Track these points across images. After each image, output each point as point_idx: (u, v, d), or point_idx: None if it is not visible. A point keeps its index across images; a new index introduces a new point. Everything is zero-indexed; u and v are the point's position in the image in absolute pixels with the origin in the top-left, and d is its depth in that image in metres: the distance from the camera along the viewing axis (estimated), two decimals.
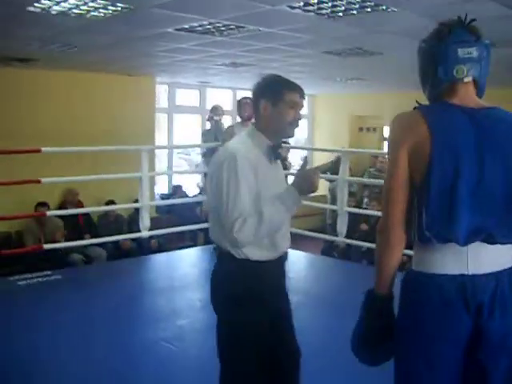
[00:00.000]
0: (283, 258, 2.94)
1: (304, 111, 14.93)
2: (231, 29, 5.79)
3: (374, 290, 2.24)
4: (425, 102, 2.28)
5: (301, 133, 15.04)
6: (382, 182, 9.97)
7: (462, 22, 2.18)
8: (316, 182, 2.73)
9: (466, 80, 2.17)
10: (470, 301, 2.04)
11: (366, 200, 10.91)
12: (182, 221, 9.58)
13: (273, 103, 2.79)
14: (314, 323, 5.24)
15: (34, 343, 4.76)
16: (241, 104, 7.48)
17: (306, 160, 2.91)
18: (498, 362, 2.09)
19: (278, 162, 2.95)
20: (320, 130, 14.78)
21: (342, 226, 7.58)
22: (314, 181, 2.71)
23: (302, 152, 12.03)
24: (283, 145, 2.98)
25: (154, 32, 6.05)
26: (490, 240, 2.07)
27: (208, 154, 8.75)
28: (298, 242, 8.84)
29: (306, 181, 2.72)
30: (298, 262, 7.80)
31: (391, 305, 2.24)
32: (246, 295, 2.79)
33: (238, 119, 7.80)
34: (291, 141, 7.89)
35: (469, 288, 2.04)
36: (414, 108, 2.22)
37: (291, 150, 9.80)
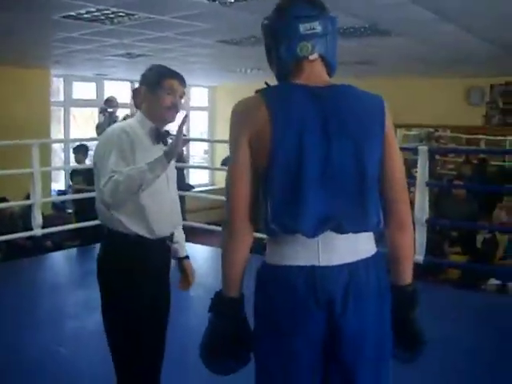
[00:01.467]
0: (161, 242, 2.95)
1: (204, 103, 14.90)
2: (121, 16, 5.60)
3: (222, 291, 2.02)
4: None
5: (202, 125, 14.96)
6: None
7: None
8: (181, 144, 2.75)
9: (311, 57, 1.97)
10: (319, 294, 1.86)
11: None
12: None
13: (151, 90, 2.92)
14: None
15: None
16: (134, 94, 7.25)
17: (183, 119, 2.84)
18: (359, 361, 1.93)
19: (163, 146, 2.94)
20: (221, 122, 14.68)
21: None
22: (180, 141, 2.73)
23: (202, 145, 11.92)
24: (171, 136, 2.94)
25: (39, 18, 5.77)
26: (340, 229, 1.89)
27: None
28: (197, 235, 8.79)
29: (176, 142, 2.72)
30: (198, 256, 7.66)
31: (241, 307, 2.03)
32: (114, 269, 2.89)
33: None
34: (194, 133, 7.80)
35: (318, 280, 1.87)
36: (256, 91, 2.03)
37: (192, 142, 9.72)
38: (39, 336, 4.88)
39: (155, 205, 2.84)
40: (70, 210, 10.47)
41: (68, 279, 6.92)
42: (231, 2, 5.00)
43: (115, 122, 8.22)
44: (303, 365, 1.92)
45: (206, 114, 14.93)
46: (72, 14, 5.48)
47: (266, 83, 2.05)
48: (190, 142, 9.34)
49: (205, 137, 14.91)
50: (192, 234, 8.21)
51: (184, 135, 2.77)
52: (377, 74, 10.60)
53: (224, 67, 10.49)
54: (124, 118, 7.72)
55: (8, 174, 8.22)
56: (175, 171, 3.10)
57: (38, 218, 7.22)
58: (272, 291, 1.93)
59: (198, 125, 15.01)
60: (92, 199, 3.12)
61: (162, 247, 2.98)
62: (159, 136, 2.92)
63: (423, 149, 6.24)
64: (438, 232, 8.44)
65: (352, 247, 1.92)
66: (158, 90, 2.89)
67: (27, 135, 8.58)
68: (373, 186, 1.94)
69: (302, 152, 1.86)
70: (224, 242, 1.99)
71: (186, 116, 2.83)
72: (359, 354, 1.91)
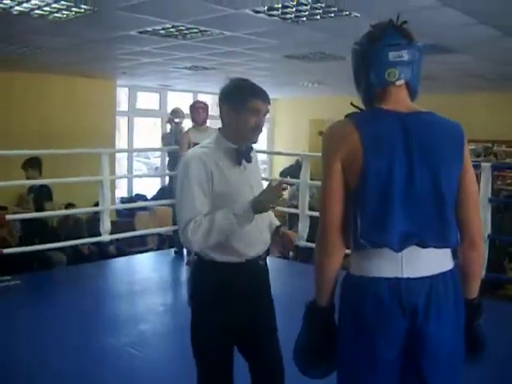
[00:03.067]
0: (251, 264, 2.89)
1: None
2: (194, 32, 5.78)
3: (315, 301, 2.21)
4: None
5: (261, 136, 15.07)
6: None
7: (394, 24, 2.15)
8: (274, 201, 2.72)
9: (397, 83, 2.13)
10: (404, 303, 2.04)
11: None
12: None
13: (235, 110, 2.80)
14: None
15: None
16: (194, 108, 7.37)
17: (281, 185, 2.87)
18: (435, 365, 2.10)
19: (251, 165, 2.92)
20: (280, 133, 14.85)
21: (304, 229, 7.60)
22: (272, 199, 2.70)
23: (260, 156, 12.01)
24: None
25: (116, 34, 6.02)
26: (423, 244, 2.07)
27: (170, 157, 8.74)
28: None
29: (265, 200, 2.70)
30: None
31: (332, 316, 2.22)
32: (207, 296, 2.85)
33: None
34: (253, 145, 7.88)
35: (403, 290, 2.05)
36: (346, 116, 2.20)
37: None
38: (109, 338, 5.06)
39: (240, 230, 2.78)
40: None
41: (133, 284, 7.10)
42: (303, 21, 5.14)
43: (180, 132, 8.44)
44: (383, 364, 2.09)
45: (265, 125, 15.02)
46: (149, 29, 5.70)
47: (352, 104, 2.26)
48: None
49: (263, 148, 15.01)
50: None
51: (283, 188, 2.70)
52: (435, 90, 10.62)
53: (286, 81, 10.64)
54: (183, 134, 7.76)
55: (75, 182, 8.50)
56: (261, 185, 2.98)
57: (106, 224, 7.43)
58: (360, 299, 2.10)
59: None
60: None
61: (254, 268, 2.92)
62: (240, 157, 2.83)
63: (486, 165, 6.26)
64: (498, 248, 8.40)
65: (432, 262, 2.09)
66: (243, 111, 2.78)
67: (93, 144, 8.86)
68: (450, 208, 2.11)
69: (391, 176, 2.04)
70: (318, 257, 2.17)
71: (285, 186, 2.74)
72: (436, 359, 2.08)
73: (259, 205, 2.67)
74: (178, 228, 2.78)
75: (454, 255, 2.21)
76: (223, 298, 2.82)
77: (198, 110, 7.22)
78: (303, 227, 7.60)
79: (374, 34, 2.16)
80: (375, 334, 2.07)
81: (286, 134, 14.56)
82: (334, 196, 2.11)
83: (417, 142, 2.07)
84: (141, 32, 5.84)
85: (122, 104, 12.24)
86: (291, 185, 10.49)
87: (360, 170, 2.05)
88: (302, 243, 7.70)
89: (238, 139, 2.84)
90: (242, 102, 2.76)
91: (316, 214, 8.38)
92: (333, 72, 8.72)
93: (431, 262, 2.10)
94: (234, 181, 2.78)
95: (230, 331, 2.88)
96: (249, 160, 2.88)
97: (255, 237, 2.87)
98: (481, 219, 2.26)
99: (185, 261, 7.63)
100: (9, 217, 7.43)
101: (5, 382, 4.18)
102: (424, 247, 2.07)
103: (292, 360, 2.32)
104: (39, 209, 6.90)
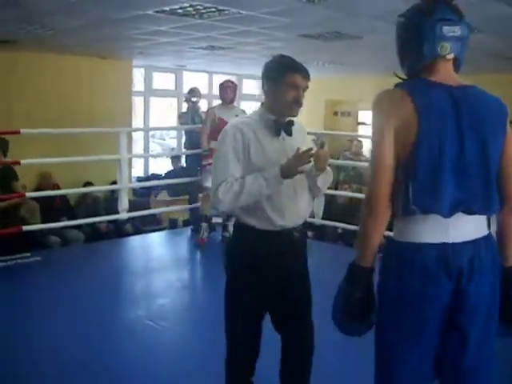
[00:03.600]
0: (285, 234, 2.99)
1: None
2: (212, 11, 5.81)
3: (356, 262, 2.30)
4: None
5: None
6: (358, 164, 10.11)
7: (446, 0, 2.24)
8: (301, 166, 2.84)
9: (448, 57, 2.24)
10: (451, 267, 2.15)
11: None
12: None
13: (275, 84, 2.95)
14: None
15: (15, 324, 4.79)
16: (223, 87, 7.66)
17: (319, 144, 3.02)
18: (474, 323, 2.21)
19: (292, 138, 3.02)
20: None
21: (319, 207, 7.66)
22: (299, 164, 2.82)
23: None
24: None
25: (133, 14, 6.05)
26: (469, 211, 2.19)
27: (187, 137, 8.83)
28: None
29: (293, 165, 2.82)
30: None
31: (372, 277, 2.32)
32: (239, 258, 3.03)
33: (218, 101, 7.91)
34: None
35: (450, 255, 2.16)
36: (396, 85, 2.28)
37: None
38: (129, 312, 5.20)
39: (275, 197, 2.91)
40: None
41: (151, 261, 7.24)
42: (318, 0, 5.16)
43: (197, 111, 8.54)
44: (427, 328, 2.22)
45: None
46: (166, 8, 5.73)
47: (396, 74, 2.34)
48: None
49: None
50: None
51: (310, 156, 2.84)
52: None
53: (301, 60, 10.55)
54: (209, 110, 7.93)
55: (92, 161, 8.60)
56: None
57: (124, 203, 7.55)
58: (406, 265, 2.21)
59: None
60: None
61: (287, 238, 3.00)
62: (278, 128, 2.96)
63: None
64: None
65: (474, 228, 2.23)
66: (281, 85, 2.91)
67: (111, 124, 8.96)
68: (494, 177, 2.23)
69: (442, 144, 2.14)
70: (366, 219, 2.27)
71: (323, 143, 2.98)
72: (475, 314, 2.21)
73: (287, 169, 2.81)
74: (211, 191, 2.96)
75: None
76: (254, 263, 2.97)
77: (227, 90, 7.57)
78: (318, 205, 7.65)
79: (425, 7, 2.25)
80: (422, 299, 2.18)
81: (301, 114, 14.51)
82: (384, 161, 2.20)
83: (466, 113, 2.18)
84: (157, 11, 5.88)
85: (138, 84, 12.27)
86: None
87: (414, 137, 2.15)
88: (318, 221, 7.77)
89: (277, 112, 2.99)
90: (281, 76, 2.92)
91: (330, 192, 8.47)
92: (348, 52, 8.72)
93: (473, 227, 2.23)
94: (271, 152, 2.92)
95: (260, 298, 3.01)
96: (289, 133, 3.01)
97: (290, 208, 2.97)
98: None
99: (195, 240, 7.69)
100: (28, 194, 7.53)
101: (29, 352, 4.29)
102: (470, 214, 2.20)
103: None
104: (7, 189, 6.98)
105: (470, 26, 2.27)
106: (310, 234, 9.62)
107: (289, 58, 3.01)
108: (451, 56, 2.24)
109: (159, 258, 7.45)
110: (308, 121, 13.90)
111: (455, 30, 2.20)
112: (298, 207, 3.01)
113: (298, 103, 2.95)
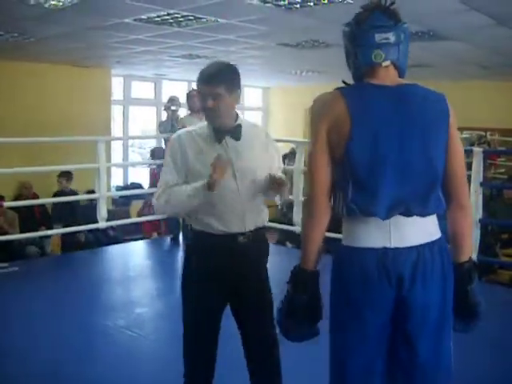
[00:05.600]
0: (227, 239, 2.99)
1: (258, 103, 15.12)
2: (189, 20, 5.83)
3: (300, 265, 2.28)
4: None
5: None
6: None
7: (382, 5, 2.22)
8: (213, 177, 2.80)
9: (384, 64, 2.21)
10: (391, 273, 2.12)
11: None
12: None
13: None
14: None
15: None
16: (190, 96, 7.67)
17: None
18: (422, 331, 2.18)
19: (239, 142, 3.00)
20: (274, 122, 14.87)
21: (298, 215, 7.66)
22: (212, 175, 2.80)
23: None
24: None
25: (112, 22, 6.06)
26: (408, 213, 2.15)
27: (167, 145, 8.82)
28: None
29: (211, 176, 2.82)
30: None
31: (316, 281, 2.29)
32: (188, 257, 3.11)
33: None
34: None
35: (390, 260, 2.13)
36: (335, 89, 2.27)
37: None
38: (106, 322, 5.15)
39: (217, 204, 2.92)
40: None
41: (130, 270, 7.19)
42: (296, 8, 5.20)
43: (177, 120, 8.54)
44: (372, 332, 2.18)
45: (260, 114, 15.20)
46: (143, 17, 5.74)
47: (344, 82, 2.32)
48: None
49: None
50: None
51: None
52: (429, 77, 10.65)
53: (279, 69, 10.68)
54: (179, 121, 7.98)
55: (71, 170, 8.57)
56: (252, 170, 2.99)
57: (103, 211, 7.52)
58: (347, 271, 2.20)
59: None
60: None
61: (230, 243, 2.99)
62: (218, 135, 2.95)
63: (478, 150, 6.44)
64: (490, 234, 8.51)
65: (419, 231, 2.18)
66: (198, 95, 3.04)
67: (89, 133, 8.93)
68: (437, 175, 2.20)
69: (378, 143, 2.12)
70: (305, 221, 2.27)
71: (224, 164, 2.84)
72: (423, 324, 2.18)
73: (209, 180, 2.81)
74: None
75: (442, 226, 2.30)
76: (201, 263, 3.03)
77: (194, 99, 7.41)
78: (298, 214, 7.66)
79: (361, 15, 2.24)
80: (363, 304, 2.16)
81: (281, 123, 14.59)
82: (320, 161, 2.20)
83: (404, 111, 2.16)
84: (136, 20, 5.89)
85: (117, 94, 12.25)
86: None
87: (347, 137, 2.13)
88: (298, 229, 7.77)
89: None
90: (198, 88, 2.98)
91: None
92: (326, 60, 8.76)
93: (418, 231, 2.18)
94: (211, 158, 2.86)
95: (210, 298, 3.03)
96: (236, 138, 2.99)
97: (231, 215, 2.98)
98: (467, 186, 2.35)
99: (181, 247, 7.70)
100: (7, 204, 7.49)
101: (3, 362, 4.25)
102: (409, 216, 2.16)
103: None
104: None
105: (407, 29, 2.24)
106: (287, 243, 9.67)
107: (206, 67, 2.98)
108: (387, 63, 2.21)
109: (138, 266, 7.41)
110: (287, 130, 13.98)
111: (388, 37, 2.17)
112: (243, 214, 3.00)
113: (208, 111, 2.92)
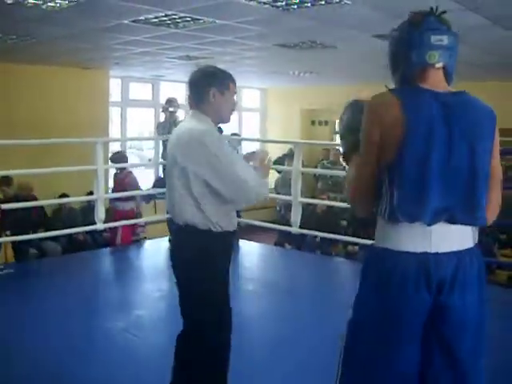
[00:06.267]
0: (176, 226, 3.24)
1: (256, 105, 15.14)
2: (187, 21, 5.84)
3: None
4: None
5: (253, 126, 15.15)
6: (336, 172, 10.17)
7: (434, 12, 2.29)
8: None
9: (437, 65, 2.26)
10: (431, 277, 2.15)
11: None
12: None
13: (221, 92, 3.13)
14: (270, 309, 5.34)
15: None
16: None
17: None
18: (462, 336, 2.21)
19: None
20: (272, 123, 14.88)
21: (296, 216, 7.67)
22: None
23: (254, 145, 12.10)
24: (234, 137, 3.27)
25: (110, 23, 6.07)
26: (452, 220, 2.18)
27: (165, 147, 8.81)
28: (251, 233, 8.97)
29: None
30: (253, 252, 7.89)
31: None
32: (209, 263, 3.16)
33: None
34: (246, 134, 8.06)
35: (431, 265, 2.16)
36: (388, 90, 2.31)
37: (244, 142, 9.96)
38: (106, 324, 5.15)
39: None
40: None
41: (128, 271, 7.19)
42: (294, 9, 5.20)
43: (175, 121, 8.51)
44: (405, 334, 2.22)
45: (257, 114, 15.23)
46: (141, 18, 5.75)
47: (386, 86, 2.36)
48: (242, 142, 9.50)
49: (257, 137, 15.04)
50: (245, 233, 8.45)
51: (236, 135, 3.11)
52: None
53: (277, 70, 10.68)
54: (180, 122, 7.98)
55: (68, 171, 8.53)
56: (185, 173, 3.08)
57: (100, 213, 7.52)
58: (384, 273, 2.22)
59: (250, 126, 15.22)
60: None
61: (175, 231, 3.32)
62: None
63: None
64: (488, 234, 8.53)
65: (459, 237, 2.22)
66: (227, 92, 3.15)
67: (87, 134, 8.91)
68: (483, 186, 2.23)
69: (430, 150, 2.15)
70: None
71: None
72: (462, 327, 2.22)
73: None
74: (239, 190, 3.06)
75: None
76: (224, 268, 3.28)
77: None
78: (296, 215, 7.66)
79: (415, 18, 2.30)
80: (399, 307, 2.18)
81: (278, 123, 14.59)
82: (369, 161, 2.25)
83: (455, 119, 2.19)
84: (134, 21, 5.89)
85: (115, 95, 12.25)
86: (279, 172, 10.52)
87: (399, 142, 2.16)
88: (295, 230, 7.78)
89: (219, 118, 3.25)
90: (227, 85, 3.21)
91: (307, 201, 8.51)
92: (324, 61, 8.77)
93: (458, 237, 2.22)
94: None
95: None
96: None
97: (171, 206, 3.24)
98: (500, 199, 2.38)
99: None
100: (4, 206, 7.47)
101: (4, 365, 4.25)
102: (453, 223, 2.19)
103: None
104: None
105: (457, 36, 2.31)
106: (286, 244, 9.68)
107: (221, 69, 3.25)
108: (440, 65, 2.27)
109: (137, 268, 7.42)
110: (284, 130, 13.99)
111: (443, 39, 2.24)
112: (175, 207, 3.17)
113: (233, 109, 3.26)
